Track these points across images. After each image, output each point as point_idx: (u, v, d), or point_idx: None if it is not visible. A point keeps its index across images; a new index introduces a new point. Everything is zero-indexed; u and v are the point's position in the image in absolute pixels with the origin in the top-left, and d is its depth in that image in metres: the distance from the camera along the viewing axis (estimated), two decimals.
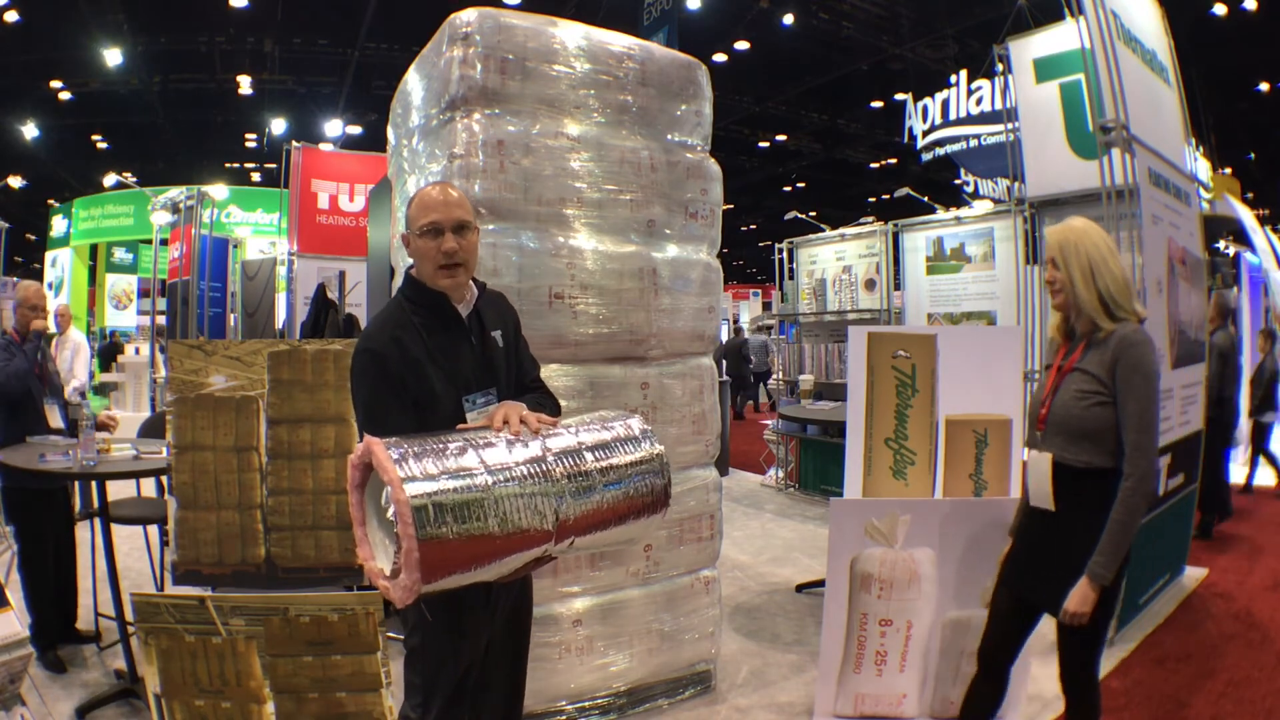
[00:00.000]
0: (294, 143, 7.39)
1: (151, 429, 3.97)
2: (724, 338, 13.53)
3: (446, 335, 1.73)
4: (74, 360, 5.97)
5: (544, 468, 1.48)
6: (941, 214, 6.99)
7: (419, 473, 1.35)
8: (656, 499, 1.64)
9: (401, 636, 1.83)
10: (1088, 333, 1.95)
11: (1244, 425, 7.12)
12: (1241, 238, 9.51)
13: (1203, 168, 10.80)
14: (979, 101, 7.43)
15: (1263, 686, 3.05)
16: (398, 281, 3.12)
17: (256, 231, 12.13)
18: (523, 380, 1.88)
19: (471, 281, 1.79)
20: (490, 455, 1.45)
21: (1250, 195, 16.46)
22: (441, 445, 1.43)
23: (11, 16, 10.69)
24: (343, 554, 2.96)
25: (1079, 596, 1.87)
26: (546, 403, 1.82)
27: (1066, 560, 1.90)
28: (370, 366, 1.64)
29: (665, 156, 2.91)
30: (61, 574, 3.34)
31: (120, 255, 15.16)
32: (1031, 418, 2.05)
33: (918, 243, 6.63)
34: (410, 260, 1.79)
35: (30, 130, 14.34)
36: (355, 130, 15.29)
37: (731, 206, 20.11)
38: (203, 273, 7.74)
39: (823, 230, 8.13)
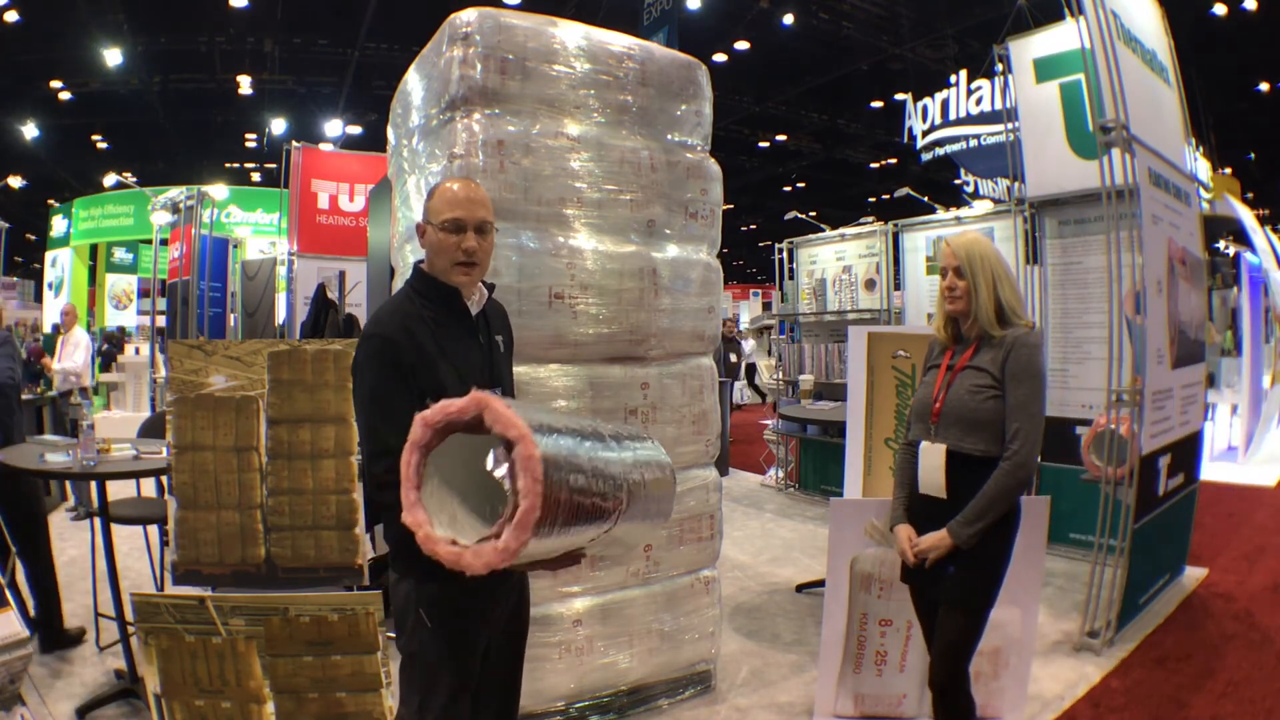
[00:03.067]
0: (294, 143, 7.38)
1: (151, 429, 3.98)
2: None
3: (456, 330, 1.74)
4: (74, 354, 6.19)
5: (612, 446, 1.49)
6: (941, 214, 6.99)
7: (541, 426, 1.30)
8: (668, 504, 1.69)
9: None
10: (979, 336, 2.11)
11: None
12: (1241, 238, 9.50)
13: (1203, 168, 10.79)
14: (979, 101, 7.41)
15: (1263, 686, 3.05)
16: (398, 282, 3.13)
17: (256, 231, 12.11)
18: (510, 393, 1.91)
19: (481, 283, 1.80)
20: (583, 422, 1.46)
21: (1250, 195, 16.46)
22: (547, 410, 1.44)
23: (11, 16, 10.68)
24: (342, 554, 2.96)
25: (934, 539, 2.05)
26: None
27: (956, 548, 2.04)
28: (379, 352, 1.63)
29: (665, 156, 2.91)
30: None
31: (120, 255, 15.13)
32: (920, 412, 2.19)
33: (918, 243, 6.63)
34: (419, 253, 1.79)
35: (30, 130, 14.33)
36: (355, 130, 15.29)
37: (731, 206, 20.09)
38: (203, 273, 7.73)
39: (823, 230, 8.13)
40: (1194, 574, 4.44)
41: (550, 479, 1.25)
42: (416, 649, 1.71)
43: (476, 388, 1.68)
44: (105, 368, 9.67)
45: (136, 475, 3.31)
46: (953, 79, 7.74)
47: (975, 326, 2.12)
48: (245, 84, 13.99)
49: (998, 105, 6.95)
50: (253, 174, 19.92)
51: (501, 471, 1.31)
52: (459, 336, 1.73)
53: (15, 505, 3.36)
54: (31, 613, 3.40)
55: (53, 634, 3.32)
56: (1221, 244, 10.97)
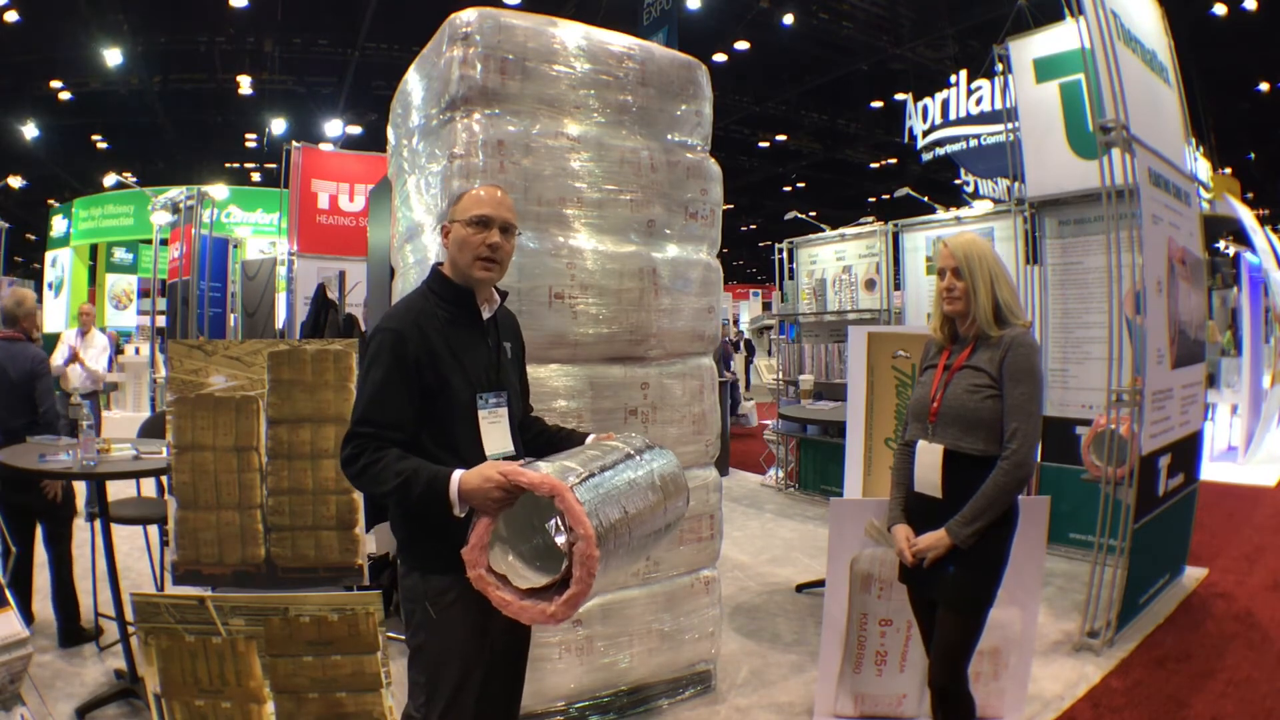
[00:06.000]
0: (294, 143, 7.39)
1: (151, 429, 3.98)
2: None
3: (467, 330, 1.78)
4: (100, 358, 6.35)
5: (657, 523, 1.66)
6: (941, 214, 6.98)
7: (602, 524, 1.45)
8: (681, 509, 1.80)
9: (403, 637, 1.82)
10: (977, 336, 2.12)
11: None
12: (1241, 238, 9.50)
13: (1203, 168, 10.79)
14: (979, 101, 7.41)
15: (1263, 686, 3.05)
16: (398, 282, 3.13)
17: (256, 231, 12.11)
18: (526, 401, 1.98)
19: (495, 289, 1.85)
20: (634, 501, 1.58)
21: (1250, 195, 16.46)
22: (612, 492, 1.53)
23: (11, 16, 10.69)
24: (343, 554, 2.96)
25: (932, 539, 2.05)
26: (575, 438, 1.91)
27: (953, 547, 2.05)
28: (389, 346, 1.67)
29: (665, 156, 2.91)
30: None
31: (120, 255, 15.11)
32: (918, 412, 2.20)
33: (918, 243, 6.62)
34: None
35: (30, 130, 14.33)
36: (355, 130, 15.30)
37: (731, 206, 20.12)
38: (203, 273, 7.74)
39: (823, 230, 8.13)
40: (1194, 574, 4.44)
41: (601, 570, 1.42)
42: (423, 642, 1.73)
43: (480, 388, 1.73)
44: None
45: (136, 475, 3.31)
46: (953, 79, 7.74)
47: (973, 327, 2.12)
48: (245, 84, 14.00)
49: (998, 105, 6.95)
50: (253, 174, 19.92)
51: (562, 539, 1.44)
52: (469, 337, 1.78)
53: (55, 511, 3.43)
54: (34, 611, 3.42)
55: (72, 631, 3.38)
56: (1221, 244, 10.97)
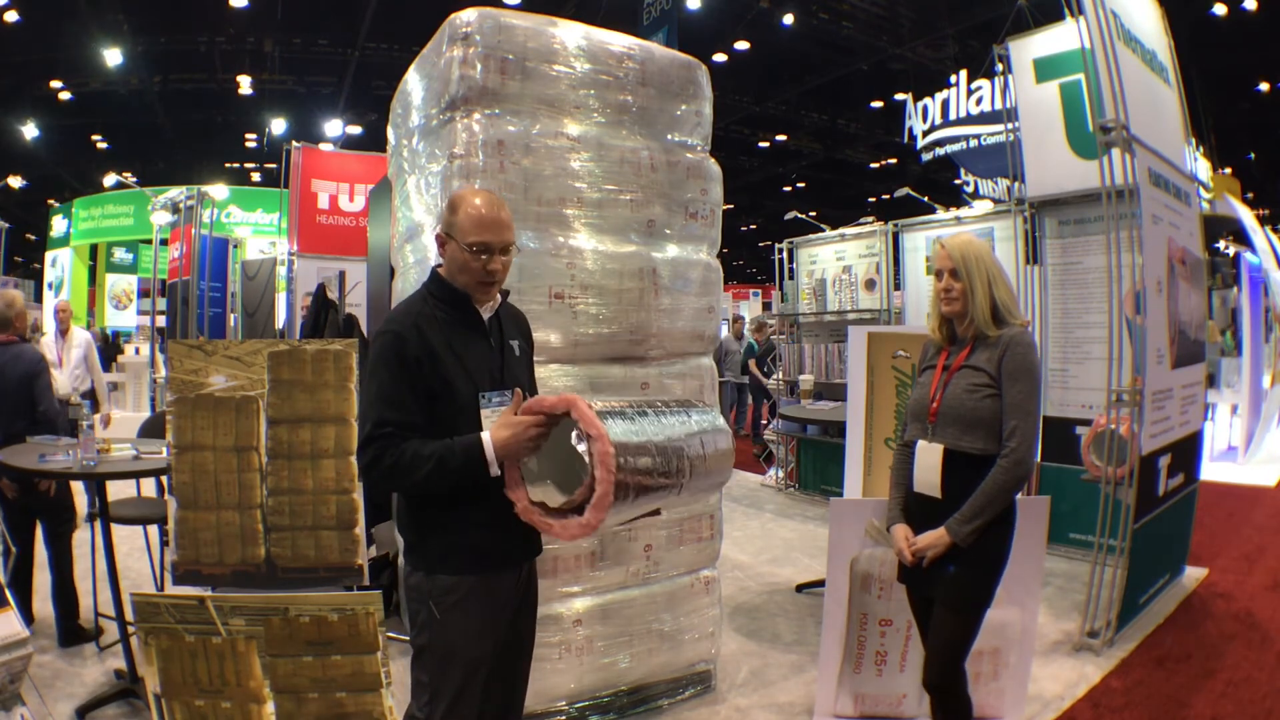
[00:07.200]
0: (294, 143, 7.39)
1: (151, 429, 3.98)
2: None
3: (466, 332, 1.78)
4: (86, 361, 6.16)
5: (673, 418, 1.78)
6: (941, 214, 6.98)
7: (618, 430, 1.55)
8: (727, 464, 2.01)
9: (404, 637, 1.82)
10: (975, 336, 2.13)
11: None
12: (1241, 238, 9.50)
13: (1203, 168, 10.78)
14: (979, 101, 7.41)
15: (1263, 686, 3.05)
16: (398, 282, 3.13)
17: (256, 231, 12.13)
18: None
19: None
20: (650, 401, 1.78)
21: (1250, 195, 16.46)
22: (619, 407, 1.67)
23: (11, 16, 10.69)
24: (342, 554, 2.95)
25: (931, 538, 2.06)
26: None
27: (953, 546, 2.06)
28: (391, 348, 1.68)
29: (665, 156, 2.91)
30: None
31: (120, 255, 15.14)
32: (917, 412, 2.21)
33: (918, 243, 6.62)
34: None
35: (30, 130, 14.33)
36: (355, 130, 15.30)
37: (731, 206, 20.12)
38: (203, 273, 7.74)
39: (823, 230, 8.13)
40: (1194, 574, 4.44)
41: (622, 467, 1.52)
42: (427, 642, 1.73)
43: (483, 387, 1.74)
44: (104, 368, 9.67)
45: (136, 475, 3.31)
46: (953, 79, 7.75)
47: (971, 327, 2.12)
48: (245, 84, 14.00)
49: (998, 105, 6.95)
50: (253, 174, 19.92)
51: (584, 447, 1.55)
52: (470, 338, 1.78)
53: (55, 510, 3.44)
54: (34, 611, 3.42)
55: (72, 630, 3.39)
56: (1221, 244, 10.97)
